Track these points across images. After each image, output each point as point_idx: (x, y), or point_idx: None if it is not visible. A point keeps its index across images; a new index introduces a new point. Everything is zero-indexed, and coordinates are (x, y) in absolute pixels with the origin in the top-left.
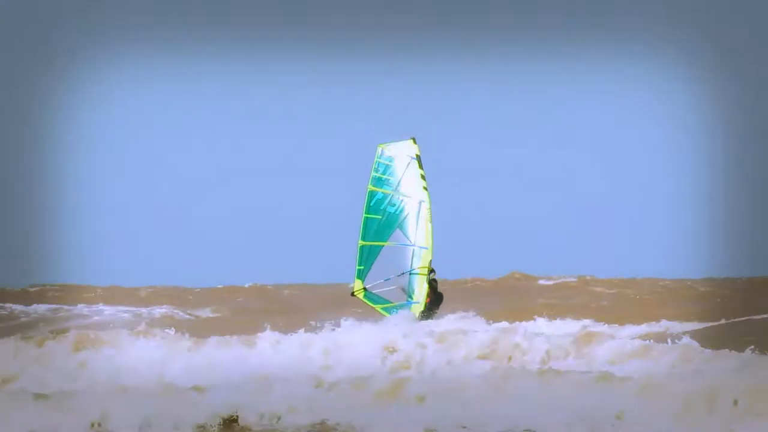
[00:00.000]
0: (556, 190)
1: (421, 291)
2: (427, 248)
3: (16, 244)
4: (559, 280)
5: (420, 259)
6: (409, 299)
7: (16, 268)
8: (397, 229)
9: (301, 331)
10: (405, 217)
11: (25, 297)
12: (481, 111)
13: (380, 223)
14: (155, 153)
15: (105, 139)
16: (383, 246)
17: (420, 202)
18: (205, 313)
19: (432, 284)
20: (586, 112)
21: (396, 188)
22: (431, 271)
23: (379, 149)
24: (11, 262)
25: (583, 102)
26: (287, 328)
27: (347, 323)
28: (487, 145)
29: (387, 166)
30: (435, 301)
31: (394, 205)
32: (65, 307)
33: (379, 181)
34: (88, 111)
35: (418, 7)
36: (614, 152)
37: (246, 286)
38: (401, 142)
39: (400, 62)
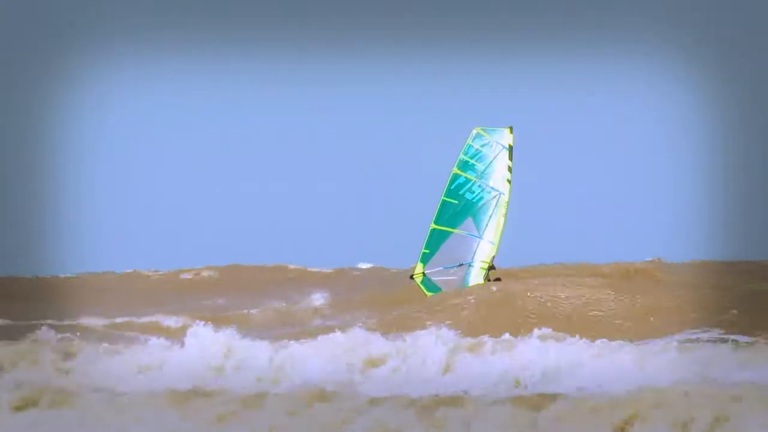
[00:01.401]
0: (555, 191)
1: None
2: (493, 243)
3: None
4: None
5: (483, 253)
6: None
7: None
8: (470, 218)
9: None
10: (480, 207)
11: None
12: (479, 111)
13: (455, 209)
14: (155, 153)
15: (104, 139)
16: (452, 233)
17: (499, 194)
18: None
19: (494, 281)
20: (587, 111)
21: (480, 175)
22: (491, 267)
23: (474, 132)
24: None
25: (582, 102)
26: None
27: None
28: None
29: (477, 151)
30: None
31: (474, 192)
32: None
33: (465, 165)
34: (87, 111)
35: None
36: (615, 152)
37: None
38: (497, 129)
39: (402, 64)
